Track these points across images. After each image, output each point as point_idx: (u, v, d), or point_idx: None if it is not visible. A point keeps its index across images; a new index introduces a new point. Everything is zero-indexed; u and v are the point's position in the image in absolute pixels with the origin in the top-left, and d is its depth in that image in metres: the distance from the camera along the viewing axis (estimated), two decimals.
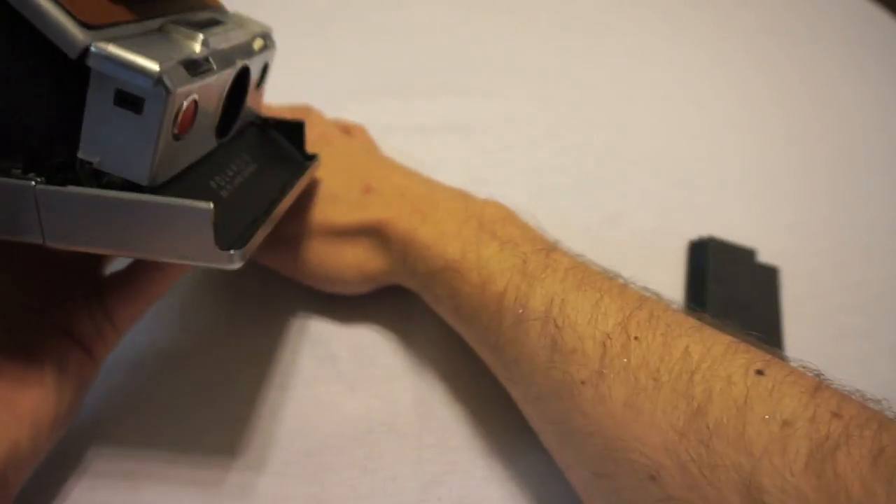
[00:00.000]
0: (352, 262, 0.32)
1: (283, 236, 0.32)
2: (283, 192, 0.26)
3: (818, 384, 0.20)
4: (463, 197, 0.32)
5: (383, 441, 0.29)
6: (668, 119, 0.53)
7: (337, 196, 0.32)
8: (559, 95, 0.54)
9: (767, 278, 0.38)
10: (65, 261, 0.27)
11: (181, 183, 0.21)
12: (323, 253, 0.32)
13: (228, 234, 0.20)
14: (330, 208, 0.32)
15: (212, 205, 0.19)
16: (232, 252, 0.20)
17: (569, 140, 0.49)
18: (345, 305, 0.34)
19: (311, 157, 0.30)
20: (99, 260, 0.28)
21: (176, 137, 0.20)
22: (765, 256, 0.39)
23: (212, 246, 0.19)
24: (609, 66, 0.59)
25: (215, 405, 0.30)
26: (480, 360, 0.32)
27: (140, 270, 0.27)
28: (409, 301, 0.35)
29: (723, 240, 0.39)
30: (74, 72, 0.18)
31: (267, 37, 0.27)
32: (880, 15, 0.70)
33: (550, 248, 0.28)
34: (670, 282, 0.38)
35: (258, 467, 0.28)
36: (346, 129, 0.38)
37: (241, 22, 0.26)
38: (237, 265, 0.20)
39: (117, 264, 0.29)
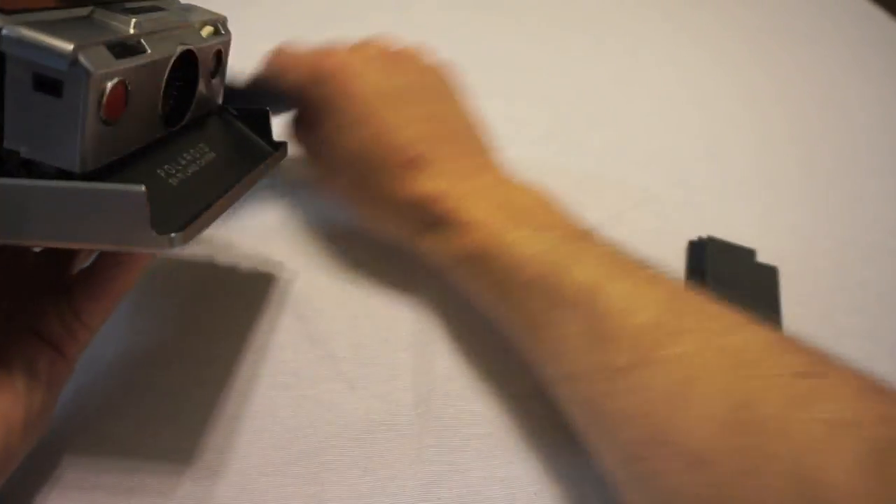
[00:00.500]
0: (390, 227, 0.33)
1: (334, 166, 0.34)
2: (238, 178, 0.25)
3: (868, 385, 0.21)
4: (504, 181, 0.32)
5: (383, 441, 0.29)
6: (668, 119, 0.53)
7: (384, 160, 0.31)
8: (559, 95, 0.54)
9: (767, 278, 0.38)
10: (32, 263, 0.27)
11: (121, 169, 0.21)
12: (365, 208, 0.34)
13: (174, 219, 0.20)
14: (375, 175, 0.32)
15: (143, 187, 0.18)
16: (173, 236, 0.19)
17: (569, 140, 0.49)
18: (346, 305, 0.34)
19: (279, 146, 0.30)
20: (66, 261, 0.28)
21: (105, 122, 0.19)
22: (765, 256, 0.39)
23: (148, 230, 0.19)
24: (609, 66, 0.59)
25: (214, 404, 0.30)
26: (480, 359, 0.32)
27: (101, 267, 0.26)
28: (410, 301, 0.35)
29: (723, 240, 0.39)
30: None
31: (220, 24, 0.26)
32: (880, 15, 0.70)
33: (585, 234, 0.28)
34: None
35: (259, 466, 0.28)
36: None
37: (188, 9, 0.25)
38: (177, 248, 0.19)
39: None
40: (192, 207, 0.22)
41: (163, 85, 0.23)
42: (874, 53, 0.64)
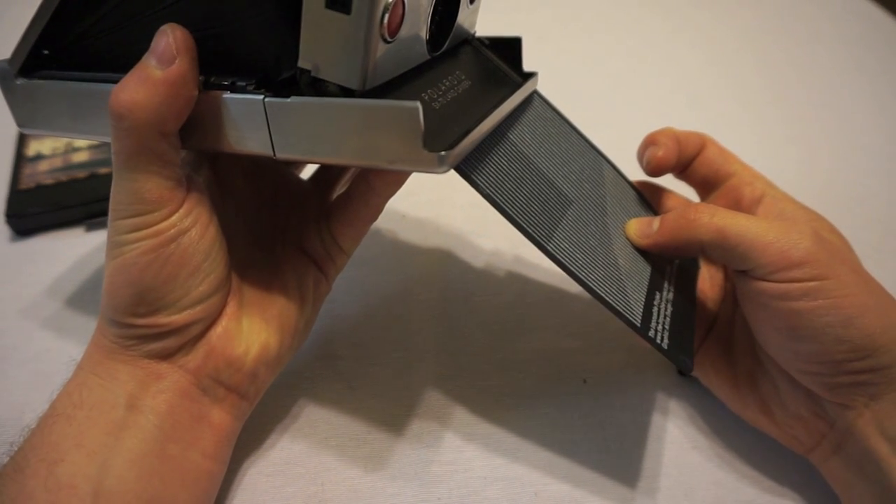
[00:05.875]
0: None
1: None
2: (496, 105, 0.26)
3: None
4: None
5: (383, 441, 0.29)
6: (668, 119, 0.52)
7: None
8: (559, 95, 0.54)
9: None
10: (300, 187, 0.30)
11: (392, 90, 0.22)
12: None
13: (441, 140, 0.21)
14: None
15: (419, 104, 0.19)
16: (442, 154, 0.20)
17: None
18: (345, 304, 0.34)
19: (529, 75, 0.30)
20: (328, 189, 0.31)
21: (385, 40, 0.21)
22: None
23: (419, 148, 0.20)
24: (609, 66, 0.59)
25: None
26: (480, 359, 0.32)
27: (354, 193, 0.27)
28: (410, 300, 0.35)
29: None
30: None
31: None
32: (880, 15, 0.71)
33: None
34: None
35: (259, 466, 0.28)
36: None
37: None
38: (444, 169, 0.20)
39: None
40: (454, 131, 0.22)
41: (431, 7, 0.24)
42: (874, 53, 0.64)
